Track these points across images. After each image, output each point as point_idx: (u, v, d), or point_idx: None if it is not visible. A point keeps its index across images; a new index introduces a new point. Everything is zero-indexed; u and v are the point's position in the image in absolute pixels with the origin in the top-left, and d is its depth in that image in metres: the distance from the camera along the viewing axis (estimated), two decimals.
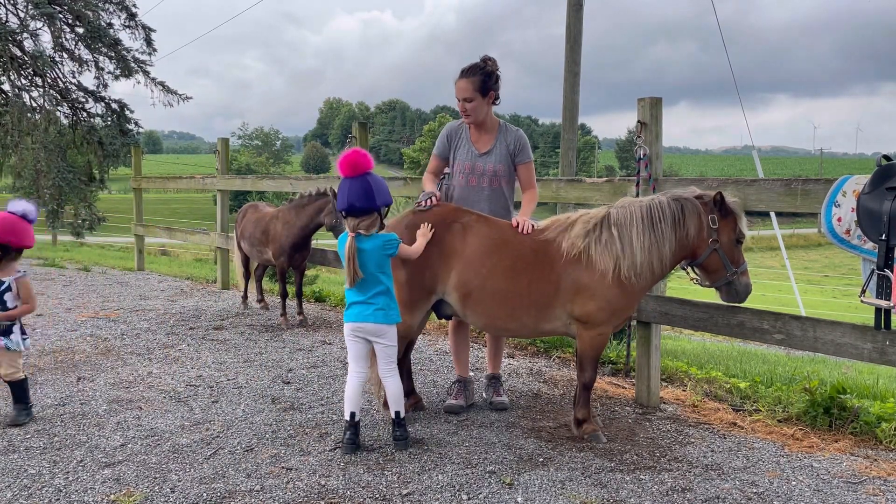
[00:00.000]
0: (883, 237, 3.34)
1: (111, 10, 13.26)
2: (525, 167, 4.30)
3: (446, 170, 4.95)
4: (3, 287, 4.02)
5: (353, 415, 3.66)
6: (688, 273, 3.93)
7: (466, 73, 4.13)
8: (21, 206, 4.08)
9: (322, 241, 7.06)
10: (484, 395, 4.54)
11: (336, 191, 6.30)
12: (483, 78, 4.11)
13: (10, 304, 4.05)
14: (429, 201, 4.06)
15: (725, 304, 4.07)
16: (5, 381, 4.10)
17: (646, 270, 3.68)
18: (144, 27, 13.65)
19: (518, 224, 3.95)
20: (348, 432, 3.65)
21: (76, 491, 3.17)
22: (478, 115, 4.17)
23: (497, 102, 4.25)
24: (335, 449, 3.66)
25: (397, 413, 3.73)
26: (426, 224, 3.90)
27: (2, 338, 4.03)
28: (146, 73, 13.60)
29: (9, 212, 4.04)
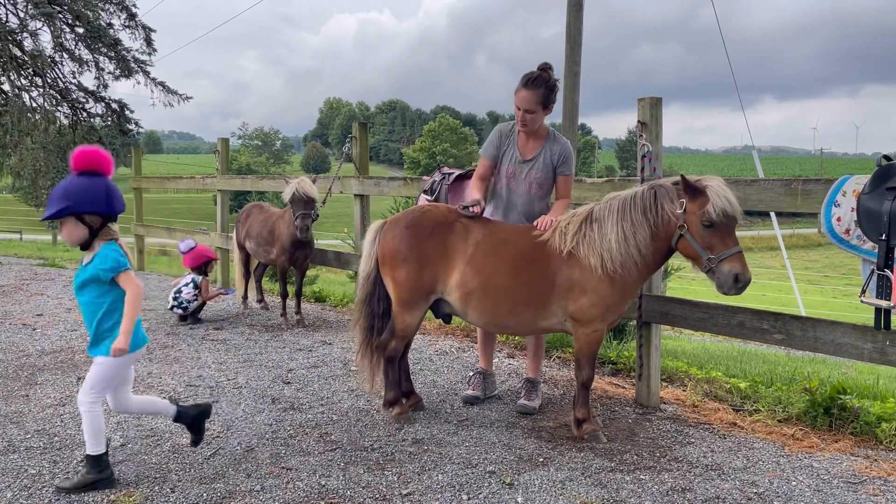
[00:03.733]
0: (883, 237, 3.34)
1: (111, 10, 13.25)
2: (564, 178, 4.30)
3: (445, 169, 4.95)
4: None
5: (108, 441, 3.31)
6: None
7: (531, 83, 4.08)
8: None
9: (322, 241, 7.06)
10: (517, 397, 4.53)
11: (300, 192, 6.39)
12: (547, 92, 4.10)
13: None
14: (474, 209, 4.04)
15: (725, 304, 4.07)
16: None
17: (629, 262, 3.66)
18: (144, 27, 13.65)
19: (538, 223, 3.94)
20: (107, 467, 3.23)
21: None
22: (535, 126, 4.20)
23: (550, 112, 4.27)
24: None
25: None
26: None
27: None
28: (146, 74, 13.60)
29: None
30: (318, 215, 6.62)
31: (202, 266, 7.04)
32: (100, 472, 3.17)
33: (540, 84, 4.08)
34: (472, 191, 4.31)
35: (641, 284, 3.93)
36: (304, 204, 6.46)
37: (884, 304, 3.41)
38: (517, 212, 4.31)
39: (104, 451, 3.19)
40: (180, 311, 6.81)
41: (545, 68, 4.14)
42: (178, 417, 3.42)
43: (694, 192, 3.52)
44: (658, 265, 3.87)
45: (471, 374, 4.70)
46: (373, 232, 4.16)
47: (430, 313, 4.24)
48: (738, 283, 3.44)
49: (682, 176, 3.58)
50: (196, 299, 6.85)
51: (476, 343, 6.16)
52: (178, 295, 6.81)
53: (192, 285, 6.85)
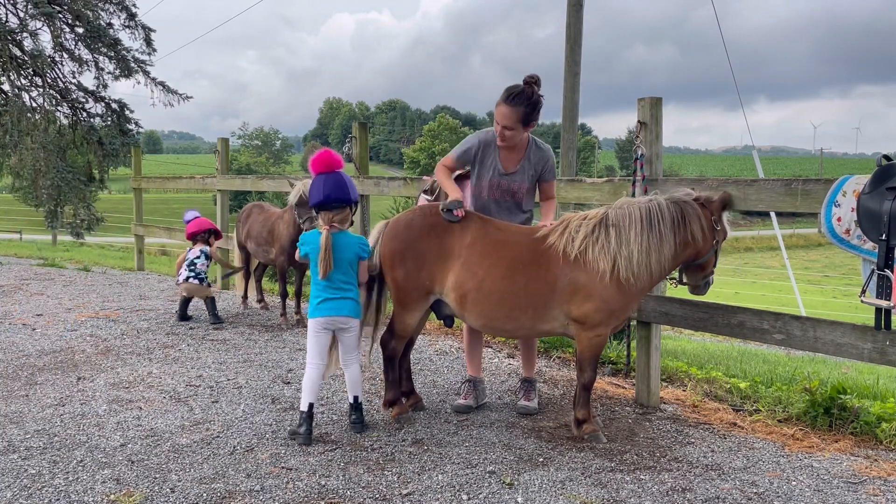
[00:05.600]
0: (883, 237, 3.34)
1: (111, 10, 13.25)
2: (548, 184, 4.33)
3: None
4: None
5: (311, 406, 3.78)
6: (679, 273, 3.97)
7: (512, 99, 3.93)
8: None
9: None
10: (515, 397, 4.56)
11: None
12: (528, 110, 3.95)
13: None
14: (460, 212, 3.91)
15: (725, 304, 4.09)
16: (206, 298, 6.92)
17: (643, 271, 3.67)
18: (144, 27, 13.65)
19: (546, 226, 3.94)
20: (305, 424, 3.75)
21: (76, 491, 3.17)
22: (514, 142, 4.09)
23: (532, 128, 4.11)
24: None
25: (356, 398, 3.90)
26: None
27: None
28: (146, 73, 13.60)
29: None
30: None
31: (205, 235, 7.16)
32: (298, 426, 3.76)
33: (521, 101, 3.93)
34: (447, 183, 4.17)
35: (648, 292, 3.95)
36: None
37: (884, 304, 3.41)
38: (501, 219, 4.19)
39: (304, 409, 3.74)
40: (196, 282, 6.90)
41: (530, 82, 3.98)
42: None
43: (722, 209, 3.76)
44: (666, 276, 3.92)
45: (460, 383, 4.67)
46: (376, 232, 4.16)
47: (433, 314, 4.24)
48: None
49: (725, 192, 3.77)
50: (207, 267, 7.07)
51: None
52: (193, 266, 6.93)
53: (203, 256, 6.99)
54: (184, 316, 6.98)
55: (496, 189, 4.25)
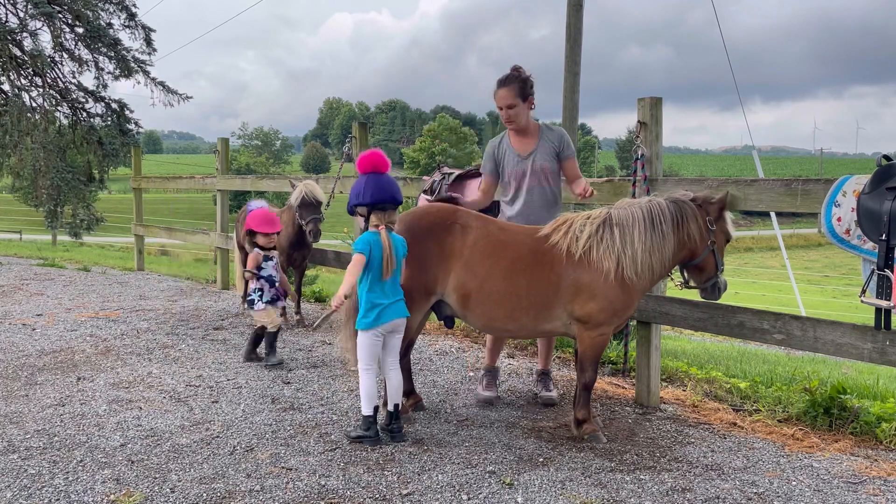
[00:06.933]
0: (883, 237, 3.34)
1: (111, 10, 13.24)
2: (571, 161, 4.47)
3: (445, 169, 4.96)
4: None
5: (376, 408, 3.80)
6: (681, 275, 3.99)
7: (505, 82, 4.34)
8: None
9: (323, 241, 7.06)
10: (535, 389, 4.73)
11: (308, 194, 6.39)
12: (520, 84, 4.33)
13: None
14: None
15: (725, 304, 4.10)
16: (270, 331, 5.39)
17: (646, 270, 3.70)
18: (144, 27, 13.62)
19: (583, 189, 4.26)
20: (373, 428, 3.75)
21: (76, 491, 3.17)
22: (520, 120, 4.37)
23: (533, 107, 4.44)
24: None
25: (396, 406, 3.83)
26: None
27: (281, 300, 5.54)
28: (146, 73, 13.58)
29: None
30: (323, 217, 6.63)
31: (250, 234, 5.54)
32: (366, 429, 3.73)
33: (513, 80, 4.34)
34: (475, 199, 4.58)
35: (648, 291, 3.97)
36: (314, 208, 6.44)
37: (884, 304, 3.41)
38: (538, 206, 4.39)
39: (370, 413, 3.72)
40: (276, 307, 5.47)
41: (516, 68, 4.40)
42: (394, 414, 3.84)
43: (720, 211, 3.80)
44: (666, 275, 3.95)
45: (480, 373, 4.74)
46: None
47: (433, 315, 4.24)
48: (726, 289, 3.91)
49: (727, 193, 3.82)
50: (276, 272, 5.48)
51: (476, 343, 6.16)
52: (271, 281, 5.44)
53: (273, 261, 5.52)
54: (254, 353, 5.45)
55: (523, 176, 4.40)
